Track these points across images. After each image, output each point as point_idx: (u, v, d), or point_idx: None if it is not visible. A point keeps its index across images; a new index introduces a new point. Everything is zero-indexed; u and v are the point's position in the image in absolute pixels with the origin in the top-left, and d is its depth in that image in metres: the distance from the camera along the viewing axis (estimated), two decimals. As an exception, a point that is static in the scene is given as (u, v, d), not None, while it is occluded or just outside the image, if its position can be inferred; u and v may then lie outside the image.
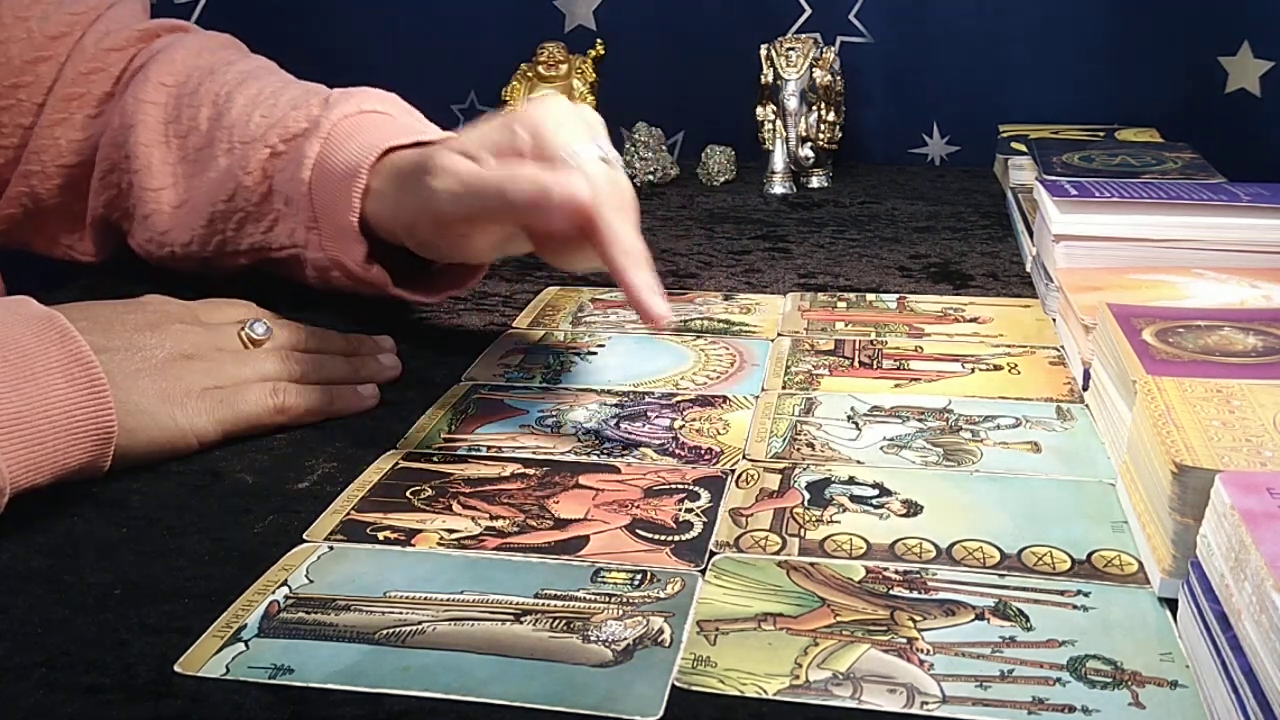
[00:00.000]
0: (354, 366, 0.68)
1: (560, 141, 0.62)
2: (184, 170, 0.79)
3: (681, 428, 0.63)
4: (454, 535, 0.52)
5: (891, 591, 0.47)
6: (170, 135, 0.79)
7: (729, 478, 0.57)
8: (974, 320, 0.78)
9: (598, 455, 0.60)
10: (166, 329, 0.63)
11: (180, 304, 0.66)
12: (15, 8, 0.79)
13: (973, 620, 0.45)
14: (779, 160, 1.17)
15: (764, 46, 1.15)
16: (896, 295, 0.84)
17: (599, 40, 1.22)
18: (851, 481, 0.56)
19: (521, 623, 0.45)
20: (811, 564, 0.49)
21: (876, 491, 0.55)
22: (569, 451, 0.60)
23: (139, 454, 0.57)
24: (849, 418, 0.63)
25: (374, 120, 0.74)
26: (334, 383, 0.66)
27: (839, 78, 1.17)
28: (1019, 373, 0.69)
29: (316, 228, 0.72)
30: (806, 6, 1.28)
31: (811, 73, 1.13)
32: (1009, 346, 0.73)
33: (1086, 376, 0.65)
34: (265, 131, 0.74)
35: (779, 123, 1.15)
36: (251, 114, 0.76)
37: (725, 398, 0.66)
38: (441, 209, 0.64)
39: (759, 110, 1.16)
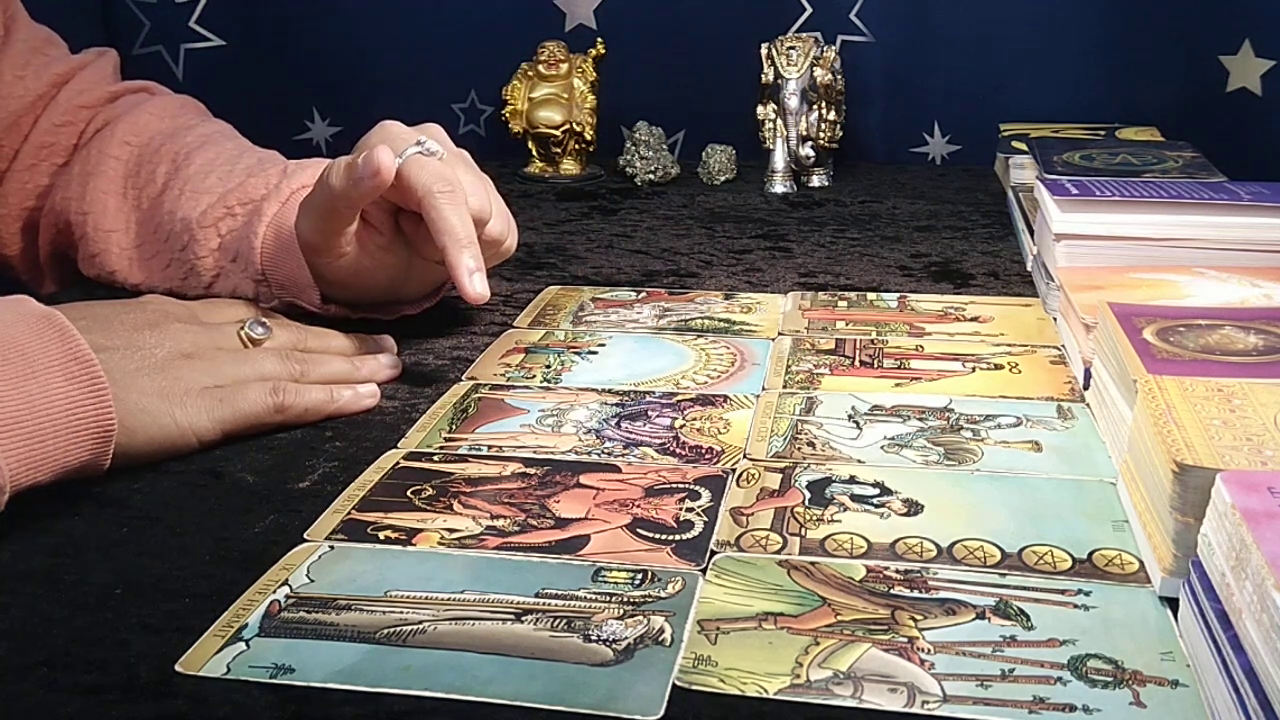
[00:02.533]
0: (354, 366, 0.68)
1: (377, 140, 0.68)
2: (136, 218, 0.81)
3: (682, 427, 0.63)
4: (455, 535, 0.52)
5: (892, 591, 0.47)
6: (128, 187, 0.82)
7: (730, 477, 0.57)
8: (975, 319, 0.78)
9: (598, 455, 0.60)
10: (166, 328, 0.63)
11: (180, 304, 0.67)
12: (13, 67, 0.84)
13: (973, 619, 0.45)
14: (780, 159, 1.17)
15: (765, 45, 1.15)
16: (897, 294, 0.84)
17: (599, 39, 1.22)
18: (852, 481, 0.56)
19: (522, 622, 0.45)
20: (812, 563, 0.49)
21: (877, 491, 0.55)
22: (570, 451, 0.60)
23: (138, 452, 0.57)
24: (850, 417, 0.63)
25: None
26: (334, 382, 0.66)
27: (840, 77, 1.17)
28: (1020, 372, 0.69)
29: (265, 282, 0.74)
30: (807, 5, 1.28)
31: (812, 72, 1.13)
32: (1010, 346, 0.73)
33: (1087, 375, 0.64)
34: (224, 194, 0.77)
35: (780, 122, 1.15)
36: (208, 175, 0.79)
37: (726, 397, 0.66)
38: (312, 229, 0.69)
39: (760, 109, 1.16)
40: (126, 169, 0.82)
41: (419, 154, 0.67)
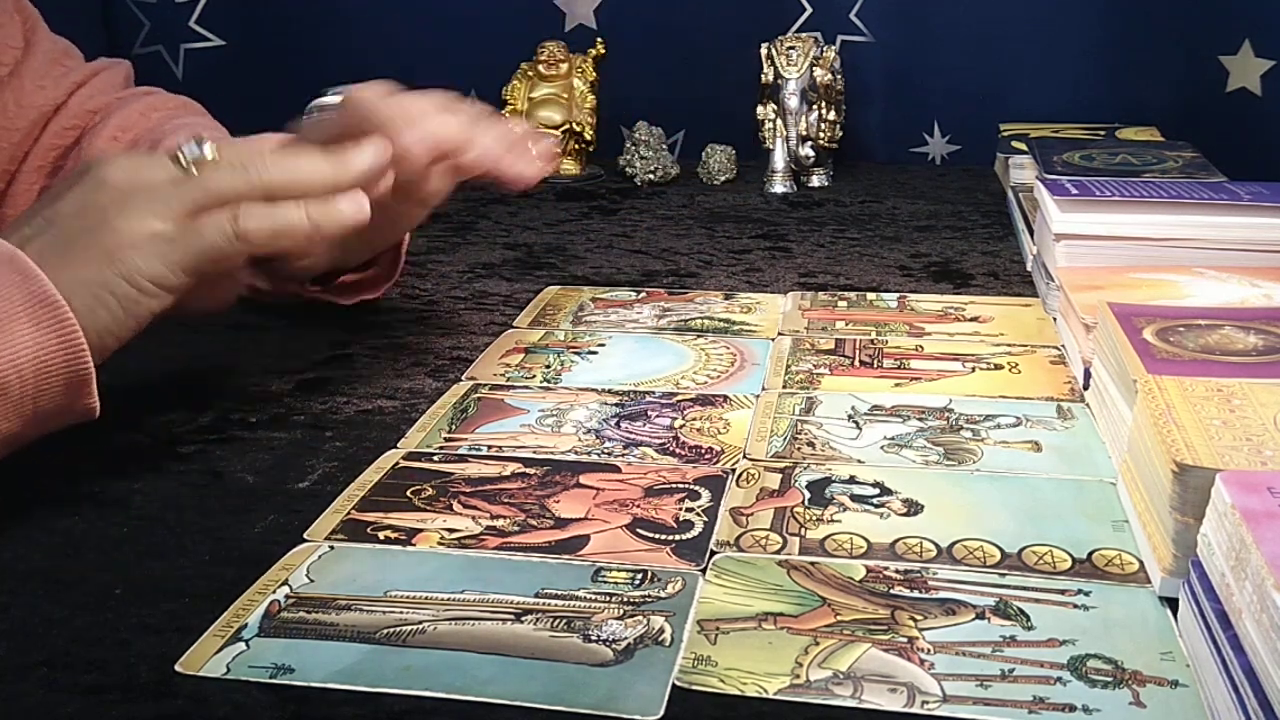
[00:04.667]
0: (336, 167, 0.57)
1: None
2: None
3: (682, 427, 0.63)
4: (455, 535, 0.52)
5: (892, 591, 0.47)
6: None
7: (729, 477, 0.57)
8: (974, 319, 0.78)
9: (598, 455, 0.60)
10: (89, 179, 0.55)
11: (109, 152, 0.59)
12: (35, 77, 0.84)
13: (973, 619, 0.45)
14: (779, 159, 1.17)
15: (764, 45, 1.15)
16: (897, 294, 0.84)
17: (599, 39, 1.22)
18: (852, 481, 0.56)
19: (522, 622, 0.45)
20: (812, 563, 0.49)
21: (877, 491, 0.55)
22: (569, 451, 0.60)
23: (109, 328, 0.53)
24: (849, 417, 0.63)
25: None
26: (315, 189, 0.56)
27: (839, 77, 1.17)
28: (1019, 372, 0.69)
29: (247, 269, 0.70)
30: (807, 5, 1.28)
31: (812, 72, 1.13)
32: (1009, 346, 0.73)
33: (1087, 375, 0.64)
34: None
35: (779, 122, 1.15)
36: None
37: (726, 397, 0.66)
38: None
39: (759, 109, 1.16)
40: None
41: (328, 113, 0.60)
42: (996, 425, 0.62)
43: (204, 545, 0.52)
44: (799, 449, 0.60)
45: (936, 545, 0.50)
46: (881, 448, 0.60)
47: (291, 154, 0.57)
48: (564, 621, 0.45)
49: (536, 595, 0.47)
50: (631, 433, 0.62)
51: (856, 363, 0.71)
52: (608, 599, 0.47)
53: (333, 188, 0.56)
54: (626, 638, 0.44)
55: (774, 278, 0.89)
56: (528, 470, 0.58)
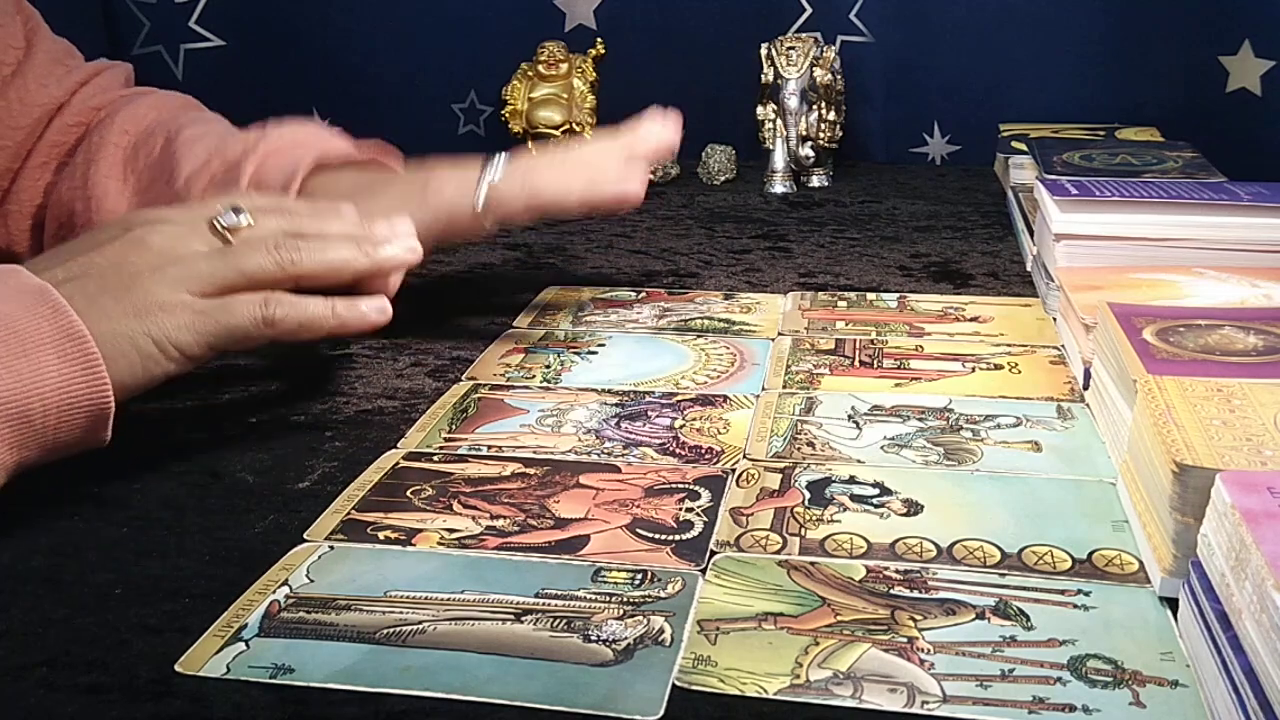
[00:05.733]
0: (359, 247, 0.60)
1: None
2: (137, 202, 0.81)
3: (682, 427, 0.63)
4: (454, 535, 0.52)
5: (892, 591, 0.47)
6: (128, 172, 0.82)
7: (729, 477, 0.57)
8: (974, 319, 0.78)
9: (598, 455, 0.60)
10: (130, 237, 0.57)
11: (147, 210, 0.61)
12: (38, 76, 0.85)
13: (973, 620, 0.45)
14: (779, 159, 1.17)
15: (764, 45, 1.15)
16: (897, 294, 0.84)
17: (599, 39, 1.22)
18: (852, 481, 0.56)
19: (522, 622, 0.45)
20: (812, 563, 0.49)
21: (877, 491, 0.55)
22: (569, 451, 0.60)
23: (122, 382, 0.54)
24: (849, 417, 0.63)
25: (308, 132, 0.79)
26: (334, 271, 0.59)
27: (839, 77, 1.17)
28: (1019, 372, 0.69)
29: None
30: (807, 5, 1.28)
31: (812, 72, 1.13)
32: (1009, 346, 0.73)
33: (1087, 376, 0.64)
34: (208, 158, 0.77)
35: (779, 122, 1.15)
36: (196, 143, 0.79)
37: (726, 397, 0.66)
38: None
39: (759, 109, 1.16)
40: (125, 155, 0.82)
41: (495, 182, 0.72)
42: (996, 425, 0.62)
43: (204, 545, 0.52)
44: (799, 449, 0.60)
45: (936, 545, 0.50)
46: (881, 448, 0.60)
47: (322, 239, 0.60)
48: (564, 621, 0.45)
49: (536, 595, 0.47)
50: (631, 433, 0.62)
51: (856, 363, 0.71)
52: (608, 599, 0.47)
53: (360, 275, 0.60)
54: (626, 638, 0.44)
55: (774, 278, 0.89)
56: (528, 470, 0.58)
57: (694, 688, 0.41)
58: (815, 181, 1.19)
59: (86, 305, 0.53)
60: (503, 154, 0.74)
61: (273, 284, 0.58)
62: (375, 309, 0.60)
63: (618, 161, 0.74)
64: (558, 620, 0.45)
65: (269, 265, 0.57)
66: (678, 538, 0.51)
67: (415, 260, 0.63)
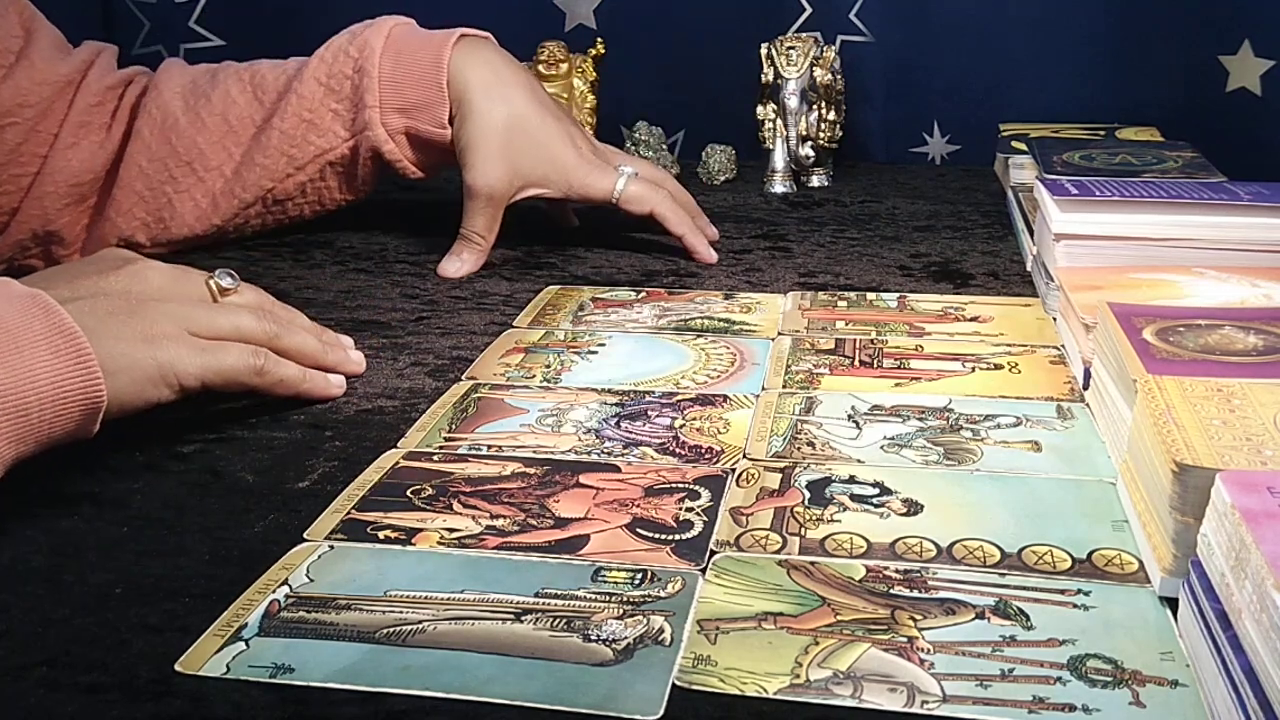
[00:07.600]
0: (323, 346, 0.68)
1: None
2: (230, 140, 0.92)
3: (682, 427, 0.63)
4: (454, 534, 0.52)
5: (892, 591, 0.47)
6: (201, 115, 0.92)
7: (729, 477, 0.57)
8: (974, 319, 0.78)
9: (598, 454, 0.60)
10: (132, 271, 0.61)
11: (140, 256, 0.65)
12: (43, 56, 0.90)
13: (973, 619, 0.45)
14: (779, 159, 1.17)
15: (764, 45, 1.15)
16: (897, 294, 0.84)
17: (599, 39, 1.22)
18: (852, 480, 0.56)
19: (522, 622, 0.45)
20: (812, 563, 0.49)
21: (877, 490, 0.55)
22: (569, 451, 0.60)
23: (122, 396, 0.56)
24: (849, 417, 0.63)
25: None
26: (303, 356, 0.66)
27: (839, 76, 1.17)
28: (1019, 372, 0.69)
29: (378, 107, 0.89)
30: (807, 5, 1.28)
31: (812, 72, 1.13)
32: (1009, 345, 0.73)
33: (1087, 375, 0.64)
34: (320, 52, 0.91)
35: (779, 122, 1.15)
36: (279, 65, 0.93)
37: (726, 397, 0.66)
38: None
39: (759, 109, 1.16)
40: (184, 102, 0.93)
41: (629, 179, 0.92)
42: (996, 425, 0.62)
43: (204, 545, 0.52)
44: (799, 449, 0.60)
45: (936, 545, 0.50)
46: (881, 448, 0.60)
47: (291, 324, 0.67)
48: (564, 621, 0.45)
49: (536, 595, 0.47)
50: (631, 432, 0.62)
51: (856, 363, 0.71)
52: (607, 599, 0.47)
53: (319, 362, 0.67)
54: (626, 637, 0.44)
55: (774, 278, 0.89)
56: (528, 470, 0.58)
57: (694, 687, 0.41)
58: (815, 181, 1.19)
59: (97, 324, 0.56)
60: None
61: (258, 345, 0.63)
62: (336, 383, 0.67)
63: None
64: (558, 620, 0.45)
65: (258, 329, 0.63)
66: (677, 537, 0.51)
67: (358, 371, 0.70)
